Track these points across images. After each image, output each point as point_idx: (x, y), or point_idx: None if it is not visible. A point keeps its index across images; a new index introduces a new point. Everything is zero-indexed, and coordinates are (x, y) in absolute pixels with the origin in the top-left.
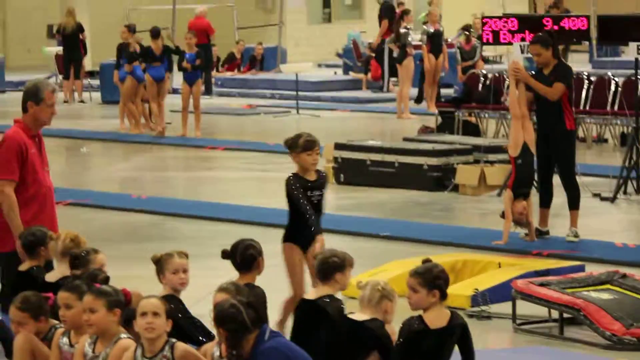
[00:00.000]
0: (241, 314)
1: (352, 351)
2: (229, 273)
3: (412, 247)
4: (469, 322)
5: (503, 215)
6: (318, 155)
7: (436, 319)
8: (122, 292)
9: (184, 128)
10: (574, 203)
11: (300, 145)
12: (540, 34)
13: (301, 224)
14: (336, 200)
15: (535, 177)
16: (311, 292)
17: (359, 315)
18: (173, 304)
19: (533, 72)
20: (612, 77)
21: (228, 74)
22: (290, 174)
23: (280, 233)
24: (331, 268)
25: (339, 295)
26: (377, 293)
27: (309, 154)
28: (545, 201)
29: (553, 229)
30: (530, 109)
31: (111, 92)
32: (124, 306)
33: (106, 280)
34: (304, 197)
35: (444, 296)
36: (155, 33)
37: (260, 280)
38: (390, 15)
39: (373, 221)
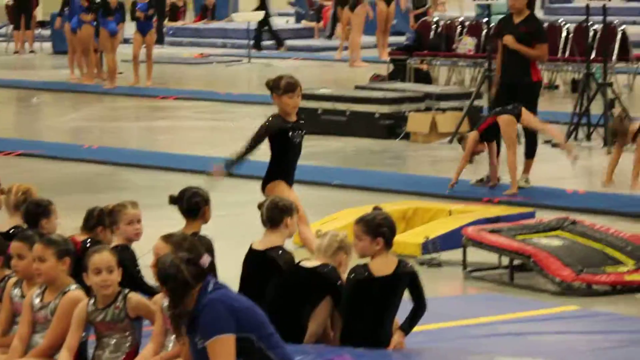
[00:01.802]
0: (181, 272)
1: (306, 297)
2: (181, 223)
3: (363, 195)
4: (419, 269)
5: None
6: (299, 99)
7: (382, 266)
8: (71, 241)
9: (136, 77)
10: (531, 152)
11: (281, 87)
12: None
13: (281, 163)
14: None
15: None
16: (260, 242)
17: (311, 262)
18: (126, 255)
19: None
20: (563, 23)
21: (179, 23)
22: (272, 114)
23: (231, 183)
24: (282, 212)
25: (289, 245)
26: (335, 243)
27: (290, 97)
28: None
29: (504, 176)
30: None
31: (62, 43)
32: (73, 255)
33: None
34: (260, 137)
35: (388, 244)
36: None
37: (209, 230)
38: None
39: (325, 169)
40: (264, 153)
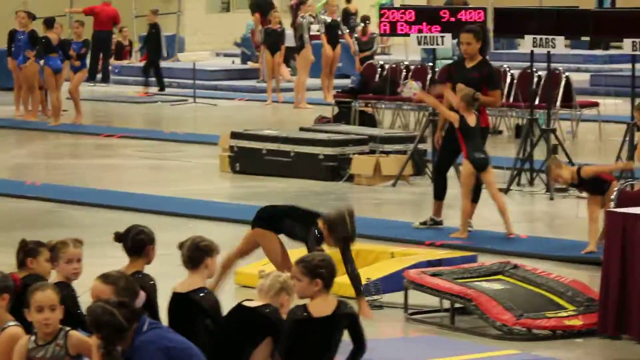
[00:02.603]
0: (115, 317)
1: (247, 337)
2: (123, 261)
3: None
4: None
5: None
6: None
7: (321, 307)
8: (11, 277)
9: (77, 115)
10: (477, 196)
11: (337, 232)
12: (473, 25)
13: (279, 218)
14: (231, 189)
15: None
16: (181, 284)
17: (253, 302)
18: (66, 292)
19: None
20: (508, 69)
21: (125, 62)
22: (317, 230)
23: (175, 221)
24: (202, 253)
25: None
26: (277, 284)
27: (334, 243)
28: (441, 193)
29: (447, 220)
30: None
31: (7, 79)
32: (12, 291)
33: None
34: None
35: (327, 285)
36: (50, 23)
37: (152, 269)
38: (262, 9)
39: None
40: (229, 196)
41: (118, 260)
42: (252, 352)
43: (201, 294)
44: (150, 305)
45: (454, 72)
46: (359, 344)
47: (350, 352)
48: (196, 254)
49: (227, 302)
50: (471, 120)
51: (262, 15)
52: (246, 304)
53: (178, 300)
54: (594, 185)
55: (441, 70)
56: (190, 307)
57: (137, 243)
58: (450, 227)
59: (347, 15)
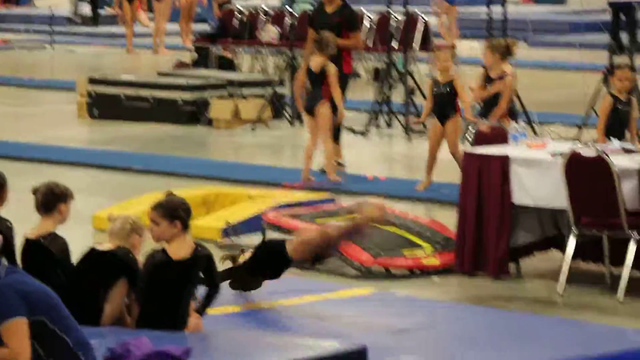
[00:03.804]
0: None
1: (101, 280)
2: None
3: (165, 180)
4: (219, 254)
5: None
6: None
7: (179, 250)
8: None
9: None
10: (336, 137)
11: None
12: None
13: None
14: (90, 134)
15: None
16: (32, 230)
17: (105, 245)
18: None
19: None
20: (365, 12)
21: None
22: None
23: (32, 167)
24: (56, 198)
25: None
26: (127, 226)
27: None
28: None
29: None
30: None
31: None
32: None
33: None
34: None
35: (186, 227)
36: None
37: (8, 214)
38: None
39: (126, 155)
40: (87, 142)
41: None
42: (107, 294)
43: (51, 238)
44: (8, 249)
45: (315, 17)
46: (213, 285)
47: (205, 293)
48: (50, 199)
49: (82, 246)
50: (313, 65)
51: None
52: (98, 247)
53: (29, 246)
54: (442, 106)
55: (301, 16)
56: (42, 252)
57: None
58: (311, 168)
59: None
